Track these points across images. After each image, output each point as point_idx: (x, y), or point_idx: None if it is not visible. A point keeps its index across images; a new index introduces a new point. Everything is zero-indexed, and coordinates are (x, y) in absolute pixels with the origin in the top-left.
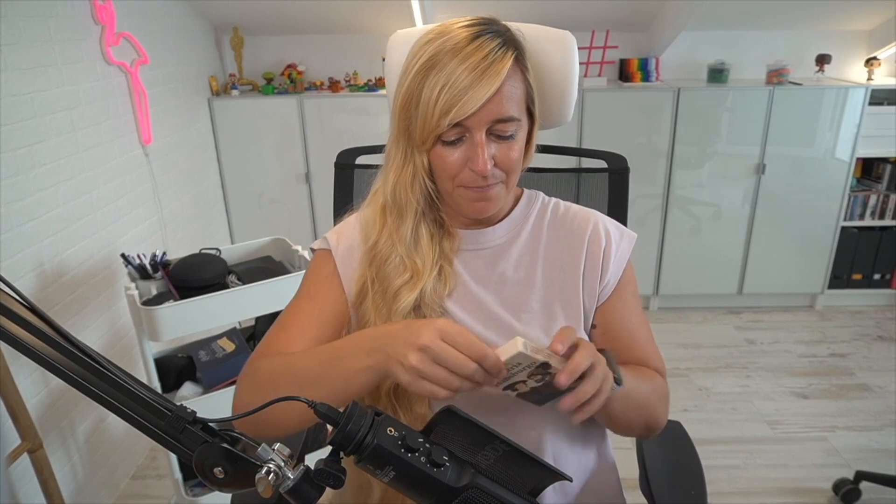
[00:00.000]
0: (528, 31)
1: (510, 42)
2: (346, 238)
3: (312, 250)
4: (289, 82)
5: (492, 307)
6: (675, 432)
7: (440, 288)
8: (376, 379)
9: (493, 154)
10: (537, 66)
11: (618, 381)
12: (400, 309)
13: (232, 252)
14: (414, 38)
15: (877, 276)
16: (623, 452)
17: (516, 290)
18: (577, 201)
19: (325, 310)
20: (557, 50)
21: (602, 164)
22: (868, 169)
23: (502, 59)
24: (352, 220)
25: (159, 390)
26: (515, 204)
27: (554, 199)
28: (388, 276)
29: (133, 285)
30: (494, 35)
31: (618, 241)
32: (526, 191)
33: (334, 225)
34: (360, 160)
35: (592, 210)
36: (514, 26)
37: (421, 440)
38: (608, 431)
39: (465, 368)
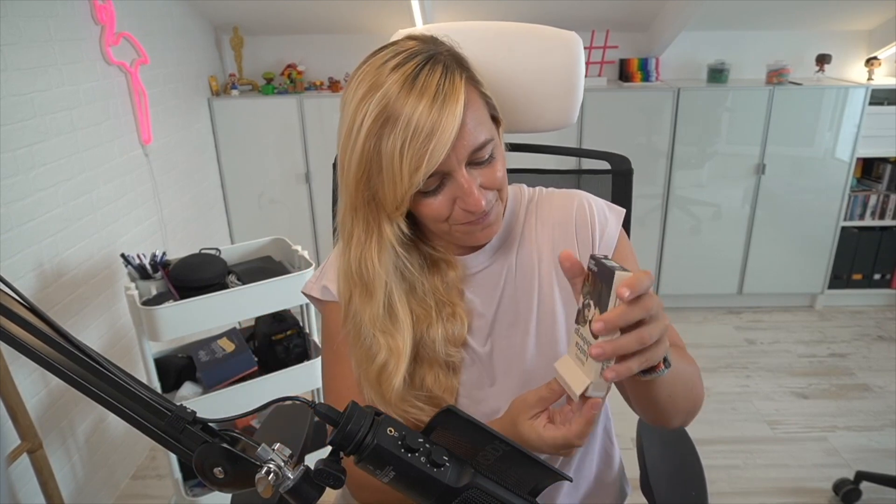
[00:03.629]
0: (532, 32)
1: (452, 61)
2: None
3: (313, 298)
4: (289, 82)
5: (503, 327)
6: (676, 432)
7: (458, 329)
8: None
9: (480, 183)
10: (542, 67)
11: (666, 363)
12: (392, 397)
13: (232, 252)
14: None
15: (877, 276)
16: (623, 452)
17: (521, 301)
18: None
19: None
20: (563, 51)
21: (602, 164)
22: (868, 169)
23: (453, 87)
24: (337, 258)
25: (159, 390)
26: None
27: (537, 190)
28: (365, 356)
29: (133, 285)
30: (433, 62)
31: (603, 217)
32: (510, 188)
33: (334, 224)
34: None
35: (574, 191)
36: (441, 32)
37: (421, 440)
38: (613, 432)
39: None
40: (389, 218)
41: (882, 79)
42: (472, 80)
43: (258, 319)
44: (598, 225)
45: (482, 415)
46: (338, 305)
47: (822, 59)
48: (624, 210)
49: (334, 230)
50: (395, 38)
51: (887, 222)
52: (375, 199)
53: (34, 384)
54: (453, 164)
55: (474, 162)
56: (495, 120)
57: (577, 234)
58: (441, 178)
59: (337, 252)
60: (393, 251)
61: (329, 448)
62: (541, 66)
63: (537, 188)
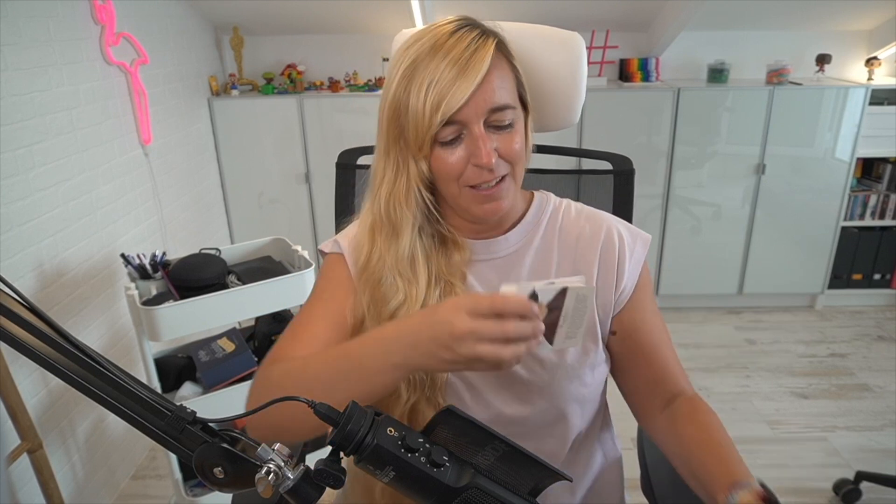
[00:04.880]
0: (534, 32)
1: (489, 32)
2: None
3: (323, 253)
4: (289, 82)
5: None
6: None
7: None
8: (403, 376)
9: (496, 147)
10: (544, 67)
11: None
12: None
13: (232, 252)
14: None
15: (877, 276)
16: (624, 453)
17: None
18: None
19: (339, 312)
20: (565, 51)
21: (603, 164)
22: (868, 169)
23: (483, 46)
24: (356, 226)
25: (159, 390)
26: (527, 208)
27: (565, 201)
28: (382, 298)
29: (133, 285)
30: (472, 27)
31: (631, 245)
32: (536, 193)
33: (336, 225)
34: (362, 160)
35: (604, 213)
36: (491, 22)
37: (421, 440)
38: (615, 436)
39: (509, 334)
40: (414, 158)
41: (882, 79)
42: (505, 51)
43: (258, 319)
44: (626, 253)
45: (478, 408)
46: (340, 257)
47: (822, 59)
48: (649, 237)
49: (336, 229)
50: (397, 38)
51: (887, 222)
52: (404, 136)
53: (34, 384)
54: (472, 115)
55: (494, 125)
56: (524, 103)
57: (602, 255)
58: (459, 129)
59: (359, 221)
60: (418, 193)
61: (329, 448)
62: (543, 67)
63: (564, 199)
